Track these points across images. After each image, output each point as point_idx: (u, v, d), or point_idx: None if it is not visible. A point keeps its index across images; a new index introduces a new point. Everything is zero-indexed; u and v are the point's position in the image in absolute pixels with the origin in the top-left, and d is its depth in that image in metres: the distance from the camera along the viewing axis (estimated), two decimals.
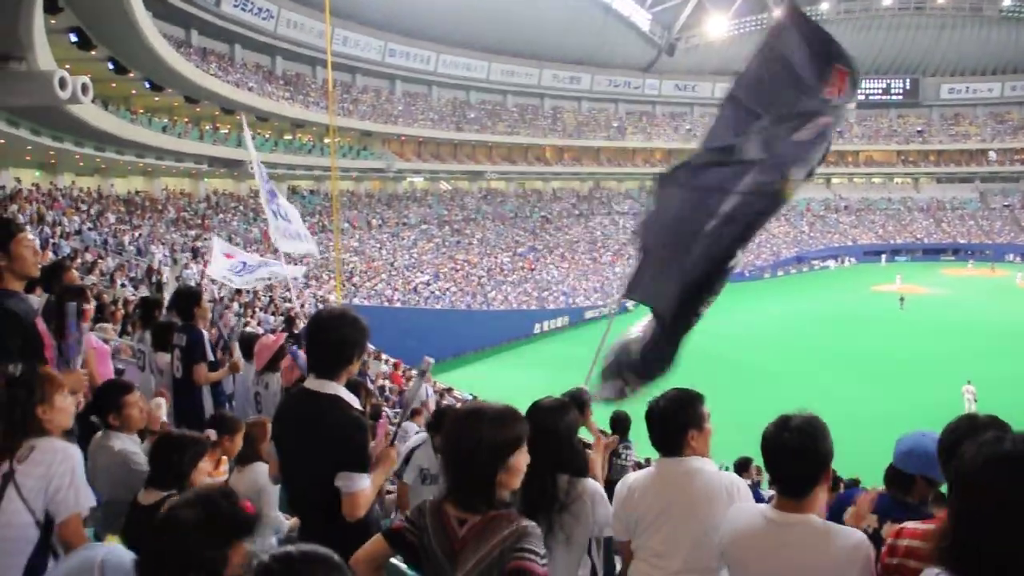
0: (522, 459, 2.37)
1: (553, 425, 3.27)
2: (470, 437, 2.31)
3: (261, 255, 16.15)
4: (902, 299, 43.60)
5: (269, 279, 13.32)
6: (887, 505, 3.18)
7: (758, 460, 2.89)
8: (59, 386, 2.99)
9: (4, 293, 3.68)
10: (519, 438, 2.37)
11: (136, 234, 27.28)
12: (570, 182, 64.80)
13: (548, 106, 65.86)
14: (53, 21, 19.57)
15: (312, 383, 3.16)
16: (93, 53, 24.96)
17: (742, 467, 10.71)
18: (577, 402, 4.44)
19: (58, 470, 2.77)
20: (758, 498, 6.30)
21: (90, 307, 5.64)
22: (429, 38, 54.94)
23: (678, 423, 3.21)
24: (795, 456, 2.59)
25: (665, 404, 3.26)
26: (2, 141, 23.49)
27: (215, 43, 42.39)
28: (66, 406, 3.00)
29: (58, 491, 2.76)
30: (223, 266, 11.65)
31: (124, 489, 3.82)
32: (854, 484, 9.54)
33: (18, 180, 27.86)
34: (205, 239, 30.96)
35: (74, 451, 2.88)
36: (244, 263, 11.94)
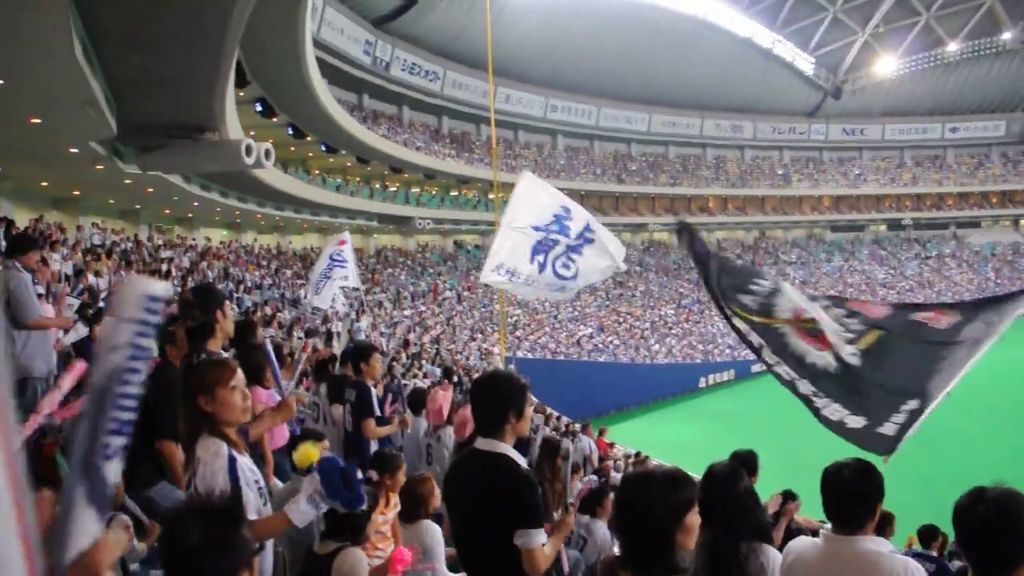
0: (696, 519, 2.31)
1: (731, 490, 3.22)
2: (644, 501, 2.26)
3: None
4: None
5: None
6: None
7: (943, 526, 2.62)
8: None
9: (211, 355, 3.88)
10: (692, 499, 2.32)
11: None
12: (735, 232, 63.55)
13: (710, 155, 65.03)
14: (241, 94, 21.02)
15: (480, 443, 3.25)
16: (275, 120, 26.65)
17: (928, 536, 9.65)
18: (747, 464, 4.27)
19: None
20: (944, 571, 5.75)
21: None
22: (590, 93, 55.56)
23: (861, 497, 2.97)
24: (992, 532, 2.35)
25: (849, 474, 3.00)
26: (196, 204, 25.35)
27: (385, 105, 44.38)
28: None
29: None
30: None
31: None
32: None
33: (208, 239, 29.87)
34: (375, 293, 32.09)
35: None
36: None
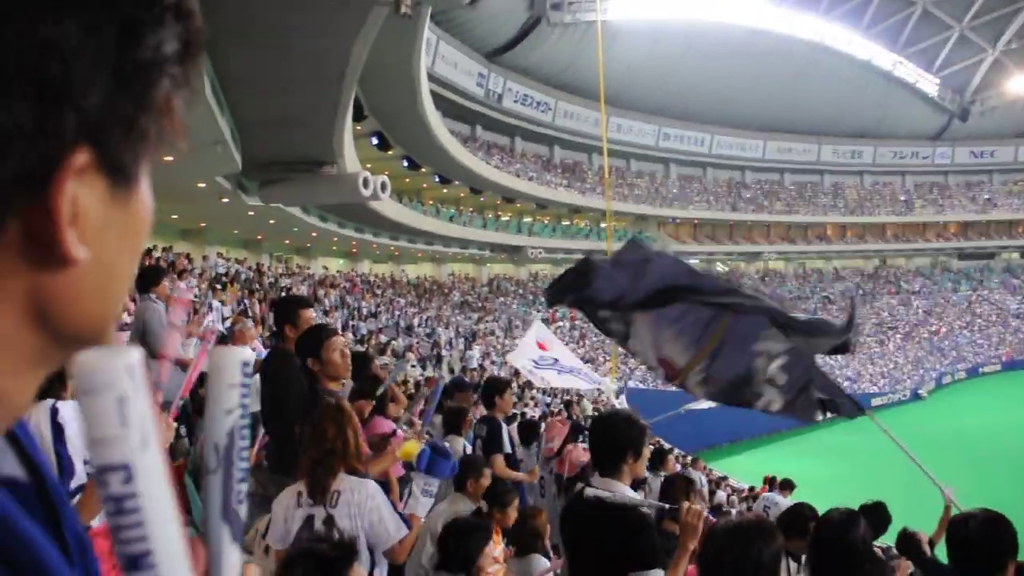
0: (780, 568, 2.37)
1: (843, 540, 3.05)
2: (735, 553, 2.28)
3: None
4: None
5: (571, 388, 13.44)
6: None
7: None
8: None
9: (324, 391, 3.97)
10: (780, 552, 2.36)
11: (424, 316, 29.12)
12: (853, 260, 61.62)
13: (828, 182, 63.32)
14: (358, 128, 21.76)
15: (596, 481, 3.26)
16: (390, 152, 27.43)
17: None
18: (875, 517, 4.14)
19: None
20: None
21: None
22: (702, 120, 55.07)
23: (988, 550, 2.75)
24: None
25: (975, 525, 2.82)
26: (315, 234, 26.29)
27: (497, 136, 45.06)
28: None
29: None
30: (530, 355, 10.28)
31: None
32: None
33: (325, 268, 30.88)
34: (487, 321, 32.43)
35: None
36: (556, 359, 10.44)
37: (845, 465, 27.03)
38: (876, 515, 4.37)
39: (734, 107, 54.24)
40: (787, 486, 12.72)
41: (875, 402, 39.38)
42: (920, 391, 43.81)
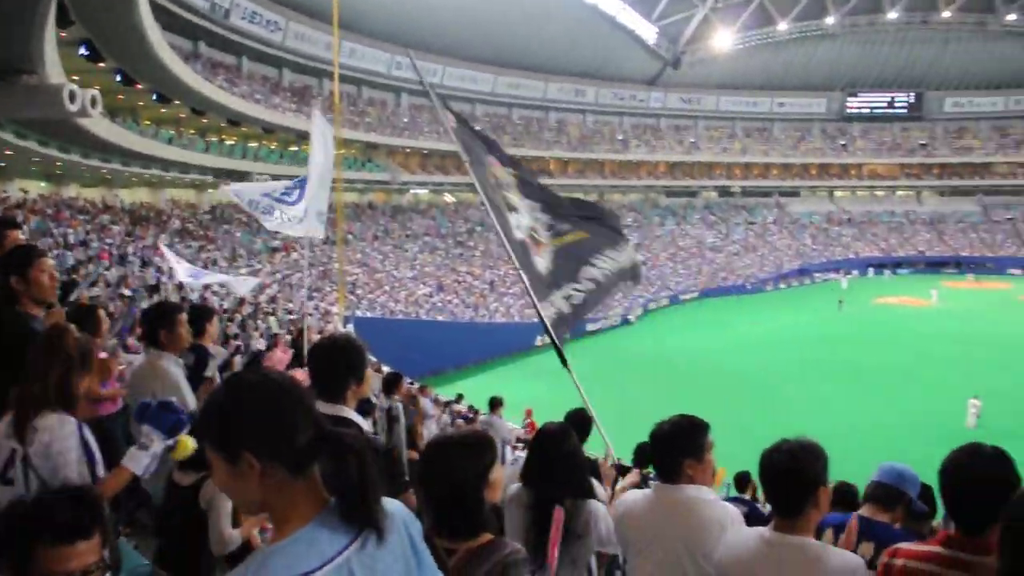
0: (498, 474, 2.41)
1: (558, 450, 3.37)
2: (446, 467, 2.35)
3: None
4: (840, 301, 46.94)
5: (222, 286, 15.59)
6: (882, 531, 3.23)
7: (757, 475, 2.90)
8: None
9: (28, 316, 3.79)
10: (493, 459, 2.41)
11: (140, 245, 27.47)
12: (573, 195, 64.83)
13: (553, 119, 66.14)
14: (64, 35, 19.76)
15: (323, 407, 3.17)
16: (102, 65, 25.19)
17: (742, 482, 10.53)
18: (580, 425, 4.56)
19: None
20: (756, 513, 6.38)
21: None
22: (435, 51, 55.20)
23: (676, 451, 3.17)
24: (785, 477, 2.65)
25: (667, 430, 3.20)
26: (10, 153, 23.74)
27: (223, 55, 42.67)
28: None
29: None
30: (185, 271, 13.39)
31: None
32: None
33: (24, 191, 28.11)
34: (210, 250, 31.17)
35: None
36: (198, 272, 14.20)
37: (561, 386, 28.86)
38: (580, 423, 4.89)
39: (466, 40, 54.86)
40: (496, 404, 13.90)
41: (590, 327, 42.32)
42: (629, 317, 47.52)
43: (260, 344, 17.90)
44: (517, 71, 61.59)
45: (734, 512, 3.19)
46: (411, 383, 21.92)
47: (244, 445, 1.58)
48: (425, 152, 54.90)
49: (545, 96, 64.74)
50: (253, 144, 42.70)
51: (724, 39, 66.68)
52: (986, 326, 40.21)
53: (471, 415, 18.71)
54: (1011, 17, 66.97)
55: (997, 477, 2.35)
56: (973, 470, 2.43)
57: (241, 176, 37.95)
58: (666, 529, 3.13)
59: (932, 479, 2.74)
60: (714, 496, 3.22)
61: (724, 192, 70.93)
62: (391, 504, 1.77)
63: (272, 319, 23.23)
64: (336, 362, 3.28)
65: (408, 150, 53.61)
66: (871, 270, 64.84)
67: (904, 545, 2.63)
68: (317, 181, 9.54)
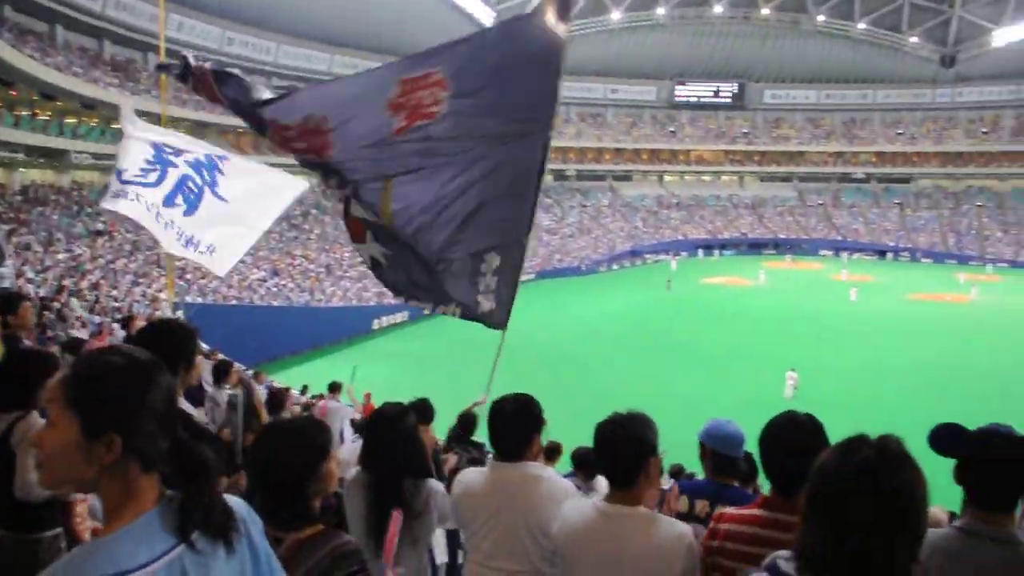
0: (333, 465, 2.40)
1: (395, 431, 3.39)
2: (275, 454, 2.35)
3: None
4: (668, 281, 49.29)
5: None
6: (714, 489, 3.36)
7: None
8: None
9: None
10: (324, 447, 2.40)
11: None
12: None
13: None
14: None
15: None
16: None
17: (581, 459, 10.65)
18: (422, 413, 4.61)
19: None
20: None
21: None
22: (270, 29, 53.64)
23: (525, 428, 3.30)
24: (617, 448, 2.75)
25: (509, 408, 3.30)
26: None
27: (33, 21, 39.79)
28: None
29: None
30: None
31: None
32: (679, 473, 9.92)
33: None
34: (22, 234, 29.26)
35: None
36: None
37: (401, 368, 28.87)
38: (423, 410, 4.98)
39: (302, 17, 53.61)
40: (334, 389, 13.86)
41: (427, 311, 42.27)
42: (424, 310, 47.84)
43: (83, 334, 17.00)
44: (354, 51, 60.57)
45: (569, 486, 3.31)
46: (245, 370, 21.41)
47: (116, 427, 1.52)
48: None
49: None
50: (71, 120, 40.10)
51: (559, 26, 67.65)
52: (803, 303, 43.02)
53: (311, 401, 18.46)
54: (821, 18, 71.85)
55: (808, 443, 2.51)
56: (786, 437, 2.69)
57: (58, 154, 35.71)
58: (504, 506, 3.23)
59: (754, 447, 2.94)
60: (549, 473, 3.33)
61: (559, 175, 72.53)
62: (232, 501, 1.75)
63: (96, 306, 22.07)
64: (163, 349, 3.21)
65: (240, 130, 51.85)
66: (701, 252, 68.07)
67: (728, 510, 2.82)
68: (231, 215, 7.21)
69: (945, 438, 2.56)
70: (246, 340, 27.45)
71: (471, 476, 3.44)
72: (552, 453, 8.83)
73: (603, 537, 2.73)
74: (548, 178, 71.82)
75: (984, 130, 74.59)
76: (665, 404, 18.66)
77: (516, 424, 3.30)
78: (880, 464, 1.56)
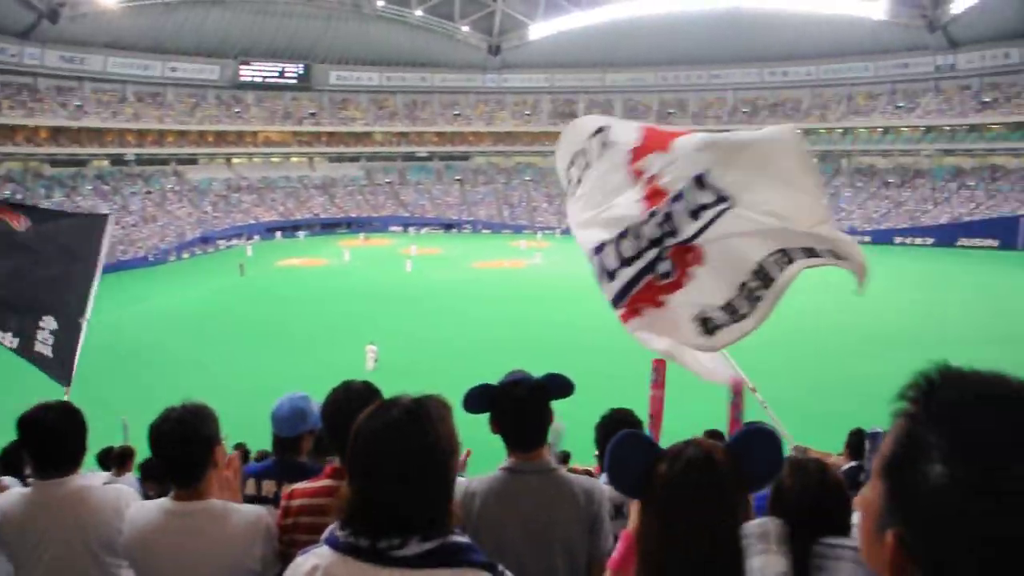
0: None
1: None
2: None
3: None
4: (241, 265, 49.20)
5: None
6: (279, 468, 3.37)
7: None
8: None
9: None
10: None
11: None
12: None
13: None
14: None
15: None
16: None
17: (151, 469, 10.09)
18: None
19: None
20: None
21: None
22: None
23: (63, 438, 3.09)
24: (179, 443, 2.67)
25: (53, 416, 3.08)
26: None
27: None
28: None
29: None
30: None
31: None
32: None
33: None
34: None
35: None
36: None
37: None
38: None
39: None
40: None
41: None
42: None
43: None
44: None
45: (127, 491, 3.19)
46: None
47: None
48: None
49: None
50: None
51: None
52: (378, 278, 44.69)
53: None
54: (380, 3, 74.63)
55: (358, 407, 2.62)
56: (349, 405, 2.66)
57: None
58: (53, 528, 3.00)
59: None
60: (100, 480, 3.28)
61: (117, 160, 67.03)
62: None
63: None
64: None
65: None
66: (279, 234, 67.66)
67: (299, 485, 2.89)
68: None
69: (474, 397, 2.99)
70: None
71: (9, 500, 3.14)
72: (124, 459, 8.28)
73: (173, 537, 2.67)
74: (104, 163, 66.45)
75: (527, 112, 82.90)
76: (256, 390, 18.50)
77: (56, 435, 3.09)
78: (406, 421, 1.79)
